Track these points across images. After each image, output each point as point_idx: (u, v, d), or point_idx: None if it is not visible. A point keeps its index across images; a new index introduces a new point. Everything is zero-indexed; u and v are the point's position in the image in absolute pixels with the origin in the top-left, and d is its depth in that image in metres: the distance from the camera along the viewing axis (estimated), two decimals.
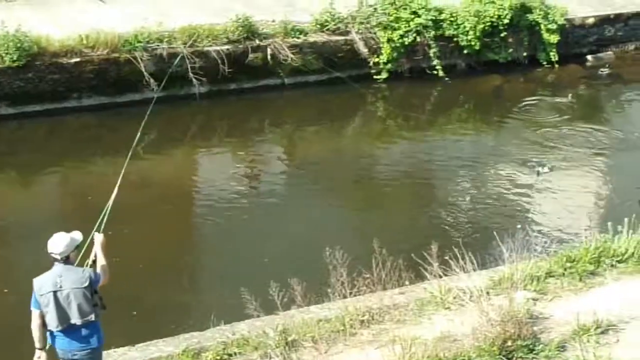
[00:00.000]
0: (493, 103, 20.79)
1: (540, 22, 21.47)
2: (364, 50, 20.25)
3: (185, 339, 9.63)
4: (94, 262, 8.43)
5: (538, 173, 16.38)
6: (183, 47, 18.43)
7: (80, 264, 8.44)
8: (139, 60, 18.12)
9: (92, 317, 8.13)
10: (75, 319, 8.06)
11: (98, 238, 8.50)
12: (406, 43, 20.36)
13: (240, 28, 19.11)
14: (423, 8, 20.49)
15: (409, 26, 20.31)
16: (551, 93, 20.78)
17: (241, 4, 20.24)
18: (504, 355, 9.12)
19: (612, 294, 10.49)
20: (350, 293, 9.96)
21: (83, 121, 18.07)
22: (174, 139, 17.77)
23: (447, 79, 20.59)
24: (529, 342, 9.29)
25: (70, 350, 8.16)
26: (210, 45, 18.84)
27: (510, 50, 21.50)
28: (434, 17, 20.57)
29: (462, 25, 20.76)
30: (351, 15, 20.35)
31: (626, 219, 11.47)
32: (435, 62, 20.57)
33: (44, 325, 8.12)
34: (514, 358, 9.16)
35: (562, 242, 13.41)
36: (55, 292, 7.99)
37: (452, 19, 20.77)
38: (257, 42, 19.35)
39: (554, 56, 21.59)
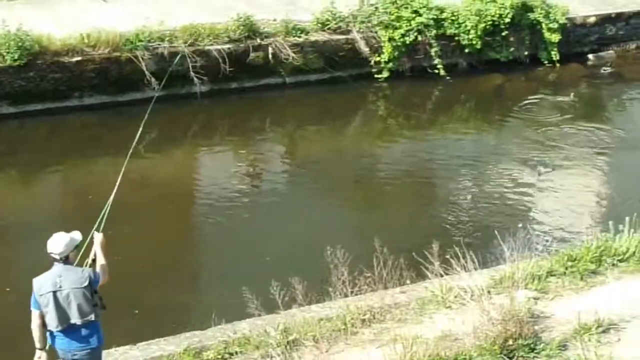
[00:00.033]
0: (494, 102, 20.78)
1: (541, 21, 21.47)
2: (365, 49, 20.25)
3: (187, 338, 9.63)
4: (94, 261, 8.42)
5: (539, 172, 16.37)
6: (184, 46, 18.44)
7: (80, 264, 8.44)
8: (140, 59, 18.12)
9: (92, 317, 8.11)
10: (75, 319, 8.05)
11: (97, 237, 8.49)
12: (407, 42, 20.36)
13: (242, 27, 19.12)
14: (424, 7, 20.50)
15: (410, 25, 20.31)
16: (552, 92, 20.79)
17: (242, 3, 20.25)
18: (505, 354, 9.12)
19: (614, 293, 10.48)
20: (352, 292, 9.96)
21: (84, 120, 18.08)
22: (175, 138, 17.78)
23: (448, 78, 20.58)
24: (530, 341, 9.28)
25: (70, 350, 8.14)
26: (212, 44, 18.85)
27: (512, 49, 21.50)
28: (435, 16, 20.56)
29: (463, 24, 20.76)
30: (352, 14, 20.35)
31: (627, 218, 11.47)
32: (436, 61, 20.57)
33: (43, 325, 8.11)
34: (515, 357, 9.15)
35: (563, 241, 13.42)
36: (54, 292, 7.98)
37: (453, 17, 20.76)
38: (258, 41, 19.35)
39: (555, 55, 21.59)
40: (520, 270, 10.35)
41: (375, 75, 20.34)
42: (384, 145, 18.17)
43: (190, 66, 18.41)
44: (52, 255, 8.08)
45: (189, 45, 18.55)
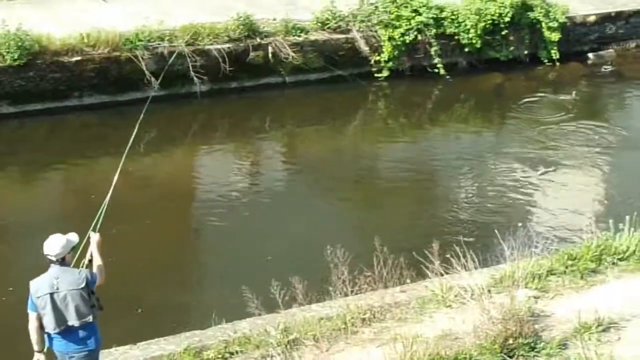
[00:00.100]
0: (494, 101, 20.78)
1: (541, 20, 21.47)
2: (365, 48, 20.25)
3: (187, 338, 9.64)
4: (90, 261, 8.40)
5: (539, 171, 16.36)
6: (184, 46, 18.43)
7: (76, 264, 8.41)
8: (140, 58, 18.12)
9: (90, 318, 8.09)
10: (73, 321, 8.02)
11: (94, 237, 8.48)
12: (407, 41, 20.36)
13: (241, 26, 19.12)
14: (424, 6, 20.50)
15: (410, 24, 20.32)
16: (552, 91, 20.78)
17: (242, 3, 20.24)
18: (505, 354, 9.11)
19: (614, 291, 10.48)
20: (352, 291, 9.96)
21: (84, 120, 18.08)
22: (175, 137, 17.78)
23: (448, 77, 20.58)
24: (530, 340, 9.28)
25: (67, 352, 8.11)
26: (211, 44, 18.86)
27: (512, 48, 21.50)
28: (435, 15, 20.56)
29: (463, 24, 20.76)
30: (352, 14, 20.35)
31: (628, 217, 11.48)
32: (436, 60, 20.56)
33: (41, 327, 8.08)
34: (516, 356, 9.15)
35: (563, 240, 13.41)
36: (51, 294, 7.96)
37: (453, 17, 20.77)
38: (258, 40, 19.35)
39: (555, 54, 21.58)
40: (521, 269, 10.35)
41: (375, 75, 20.35)
42: (384, 145, 18.17)
43: (190, 66, 18.42)
44: (49, 257, 8.06)
45: (189, 45, 18.56)
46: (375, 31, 20.30)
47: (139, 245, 13.30)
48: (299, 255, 12.85)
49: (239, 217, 14.53)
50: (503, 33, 21.21)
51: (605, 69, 22.27)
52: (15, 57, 17.22)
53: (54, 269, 8.06)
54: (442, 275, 10.37)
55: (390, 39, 20.27)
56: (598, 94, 21.52)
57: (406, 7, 20.43)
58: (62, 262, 8.07)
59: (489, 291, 10.09)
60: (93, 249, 8.41)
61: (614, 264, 11.07)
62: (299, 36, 19.73)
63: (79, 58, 17.98)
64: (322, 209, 14.97)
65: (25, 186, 16.01)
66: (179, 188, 15.65)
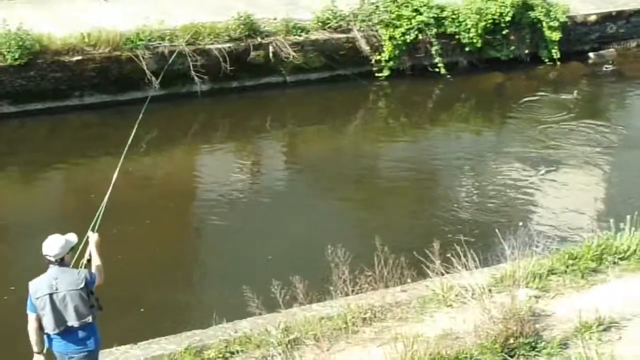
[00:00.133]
0: (495, 101, 20.78)
1: (542, 19, 21.47)
2: (365, 48, 20.25)
3: (188, 337, 9.63)
4: (89, 261, 8.39)
5: (540, 170, 16.35)
6: (185, 45, 18.44)
7: (75, 264, 8.39)
8: (141, 58, 18.13)
9: (89, 318, 8.07)
10: (72, 321, 8.00)
11: (93, 237, 8.46)
12: (408, 41, 20.36)
13: (242, 26, 19.13)
14: (425, 6, 20.51)
15: (411, 24, 20.32)
16: (553, 90, 20.78)
17: (243, 2, 20.25)
18: (506, 353, 9.11)
19: (614, 291, 10.48)
20: (352, 291, 9.96)
21: (85, 119, 18.08)
22: (176, 137, 17.78)
23: (448, 76, 20.58)
24: (531, 340, 9.28)
25: (67, 353, 8.09)
26: (212, 43, 18.86)
27: (512, 47, 21.50)
28: (435, 15, 20.56)
29: (464, 23, 20.76)
30: (353, 13, 20.35)
31: (628, 216, 11.47)
32: (437, 59, 20.57)
33: (40, 328, 8.06)
34: (516, 355, 9.15)
35: (564, 240, 13.41)
36: (51, 295, 7.94)
37: (453, 16, 20.77)
38: (259, 40, 19.35)
39: (555, 54, 21.58)
40: (521, 269, 10.35)
41: (376, 74, 20.35)
42: (385, 144, 18.17)
43: (190, 65, 18.42)
44: (48, 257, 8.04)
45: (190, 44, 18.56)
46: (376, 30, 20.30)
47: (139, 245, 13.30)
48: (299, 254, 12.85)
49: (240, 217, 14.53)
50: (504, 32, 21.22)
51: (606, 68, 22.27)
52: (16, 56, 17.22)
53: (53, 269, 8.04)
54: (442, 274, 10.37)
55: (391, 38, 20.27)
56: (599, 94, 21.52)
57: (407, 6, 20.43)
58: (61, 262, 8.05)
59: (489, 291, 10.09)
60: (92, 249, 8.39)
61: (614, 263, 11.07)
62: (300, 36, 19.73)
63: (79, 57, 17.98)
64: (322, 208, 14.97)
65: (26, 186, 16.01)
66: (179, 188, 15.65)
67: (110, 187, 9.30)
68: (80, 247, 8.45)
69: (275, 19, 19.84)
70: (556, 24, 21.50)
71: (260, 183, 16.19)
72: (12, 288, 11.94)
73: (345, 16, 20.24)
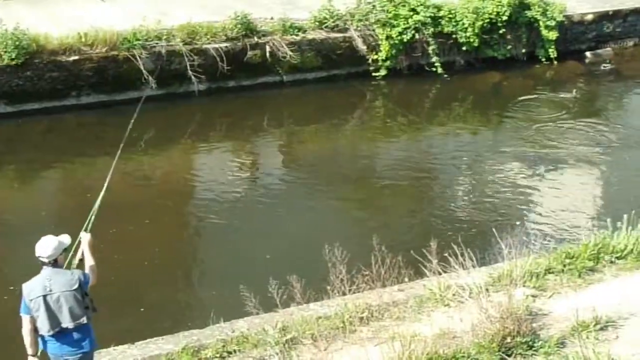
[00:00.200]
0: (492, 100, 20.79)
1: (538, 18, 21.48)
2: (362, 47, 20.25)
3: (185, 337, 9.62)
4: (81, 261, 8.36)
5: (537, 170, 16.36)
6: (182, 45, 18.43)
7: (68, 265, 8.37)
8: (138, 58, 18.12)
9: (84, 319, 8.03)
10: (67, 323, 7.97)
11: (85, 238, 8.42)
12: (405, 40, 20.37)
13: (239, 25, 19.12)
14: (422, 5, 20.51)
15: (408, 23, 20.33)
16: (550, 90, 20.79)
17: (240, 2, 20.25)
18: (503, 352, 9.11)
19: (611, 290, 10.49)
20: (350, 290, 9.94)
21: (82, 119, 18.06)
22: (173, 136, 17.77)
23: (445, 76, 20.60)
24: (528, 339, 9.29)
25: (62, 355, 8.05)
26: (209, 43, 18.86)
27: (509, 47, 21.52)
28: (432, 14, 20.57)
29: (460, 22, 20.77)
30: (350, 13, 20.35)
31: (625, 216, 11.48)
32: (433, 59, 20.58)
33: (35, 330, 8.02)
34: (514, 355, 9.15)
35: (561, 239, 13.42)
36: (45, 296, 7.90)
37: (450, 16, 20.78)
38: (256, 39, 19.35)
39: (552, 53, 21.60)
40: (518, 268, 10.35)
41: (373, 74, 20.35)
42: (382, 144, 18.16)
43: (187, 65, 18.42)
44: (41, 258, 8.00)
45: (187, 44, 18.56)
46: (373, 30, 20.31)
47: (137, 245, 13.28)
48: (297, 254, 12.84)
49: (237, 216, 14.52)
50: (500, 32, 21.23)
51: (604, 67, 22.29)
52: (13, 56, 17.21)
53: (47, 270, 8.00)
54: (440, 274, 10.36)
55: (387, 37, 20.28)
56: (596, 93, 21.53)
57: (404, 6, 20.44)
58: (55, 263, 8.00)
59: (487, 290, 10.08)
60: (85, 249, 8.35)
61: (611, 262, 11.08)
62: (297, 35, 19.73)
63: (76, 57, 17.96)
64: (320, 207, 14.98)
65: (23, 185, 15.99)
66: (177, 187, 15.65)
67: (104, 188, 9.25)
68: (74, 247, 8.43)
69: (272, 18, 19.85)
70: (553, 23, 21.52)
71: (258, 182, 16.19)
72: (11, 288, 11.93)
73: (342, 16, 20.24)
